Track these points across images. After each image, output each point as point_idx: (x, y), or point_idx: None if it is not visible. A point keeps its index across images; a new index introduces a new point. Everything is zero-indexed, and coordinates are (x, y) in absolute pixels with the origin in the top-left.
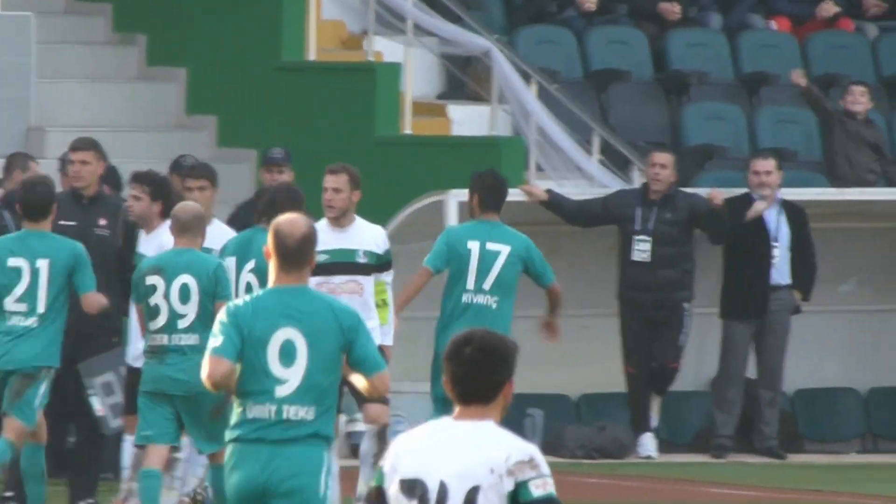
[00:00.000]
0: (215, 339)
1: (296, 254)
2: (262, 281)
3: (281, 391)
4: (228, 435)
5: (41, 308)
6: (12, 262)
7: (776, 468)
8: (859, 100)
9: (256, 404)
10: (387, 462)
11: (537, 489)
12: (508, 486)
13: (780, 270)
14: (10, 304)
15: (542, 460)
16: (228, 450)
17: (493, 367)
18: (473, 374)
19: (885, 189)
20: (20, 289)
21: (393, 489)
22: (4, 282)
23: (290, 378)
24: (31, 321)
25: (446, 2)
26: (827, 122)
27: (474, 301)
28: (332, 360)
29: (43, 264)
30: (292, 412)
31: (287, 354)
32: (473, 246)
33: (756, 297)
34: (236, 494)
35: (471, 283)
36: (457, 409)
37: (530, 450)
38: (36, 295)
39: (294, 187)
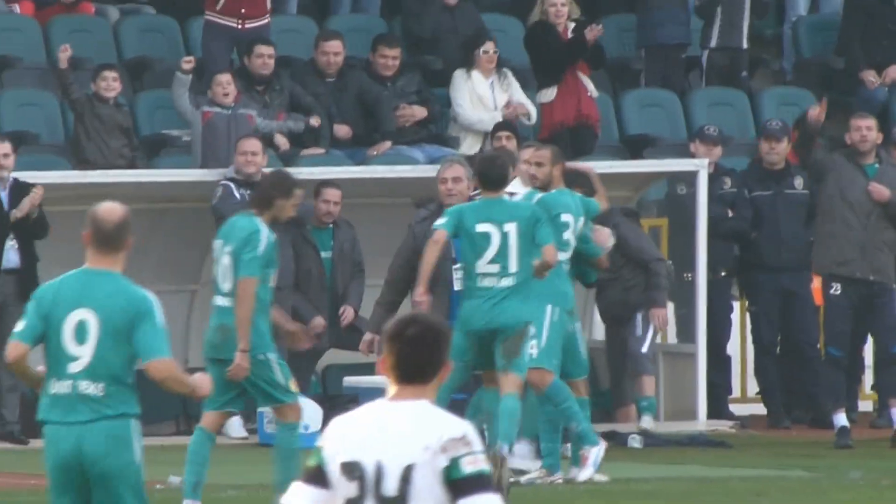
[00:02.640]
0: (17, 324)
1: (110, 237)
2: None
3: (74, 367)
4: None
5: (513, 268)
6: (480, 227)
7: None
8: (112, 85)
9: (56, 381)
10: (326, 443)
11: (468, 465)
12: (442, 462)
13: None
14: (482, 266)
15: (475, 437)
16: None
17: (436, 347)
18: (415, 353)
19: (132, 171)
20: (491, 252)
21: (334, 471)
22: (475, 246)
23: (83, 356)
24: (505, 282)
25: None
26: (74, 107)
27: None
28: (122, 341)
29: (511, 227)
30: (84, 387)
31: (80, 333)
32: None
33: None
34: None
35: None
36: (394, 389)
37: (463, 427)
38: (507, 256)
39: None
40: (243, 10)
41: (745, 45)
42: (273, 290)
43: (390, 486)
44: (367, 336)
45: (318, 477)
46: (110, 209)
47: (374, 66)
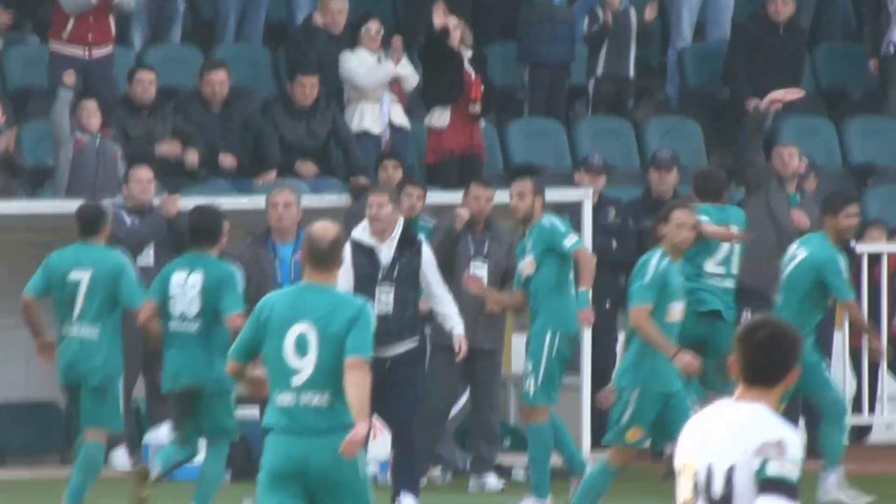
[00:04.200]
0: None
1: (324, 255)
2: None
3: (297, 380)
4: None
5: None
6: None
7: None
8: None
9: (280, 393)
10: (680, 440)
11: (773, 468)
12: (755, 464)
13: None
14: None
15: (792, 446)
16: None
17: (783, 351)
18: (763, 356)
19: (15, 203)
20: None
21: (678, 467)
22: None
23: (304, 368)
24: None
25: None
26: None
27: None
28: (340, 352)
29: None
30: (307, 399)
31: (301, 347)
32: None
33: None
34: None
35: None
36: (739, 388)
37: (783, 433)
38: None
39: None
40: (90, 37)
41: (631, 75)
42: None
43: (717, 487)
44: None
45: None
46: (323, 228)
47: (294, 96)
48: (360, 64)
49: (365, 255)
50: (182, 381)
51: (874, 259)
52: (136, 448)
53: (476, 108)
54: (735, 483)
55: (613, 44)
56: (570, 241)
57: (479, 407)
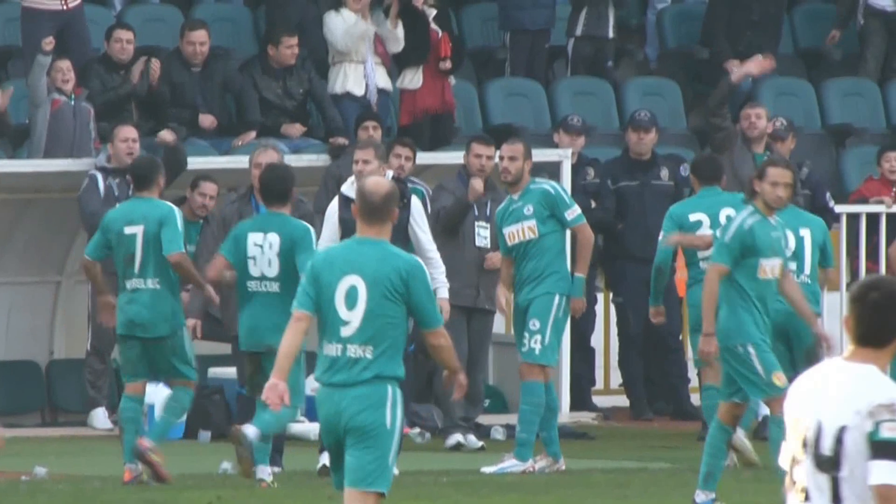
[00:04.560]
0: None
1: (376, 209)
2: None
3: (345, 331)
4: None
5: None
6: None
7: None
8: None
9: (328, 343)
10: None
11: (886, 431)
12: (867, 427)
13: None
14: None
15: None
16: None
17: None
18: (876, 317)
19: None
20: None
21: (787, 425)
22: None
23: (353, 320)
24: None
25: None
26: None
27: None
28: (390, 306)
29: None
30: (353, 350)
31: (350, 299)
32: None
33: None
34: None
35: None
36: (850, 348)
37: (894, 394)
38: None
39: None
40: None
41: (610, 35)
42: None
43: (826, 446)
44: (190, 322)
45: None
46: (376, 183)
47: (275, 56)
48: (342, 23)
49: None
50: (261, 340)
51: (853, 219)
52: (115, 408)
53: (446, 64)
54: (845, 443)
55: (593, 4)
56: (572, 213)
57: (469, 366)
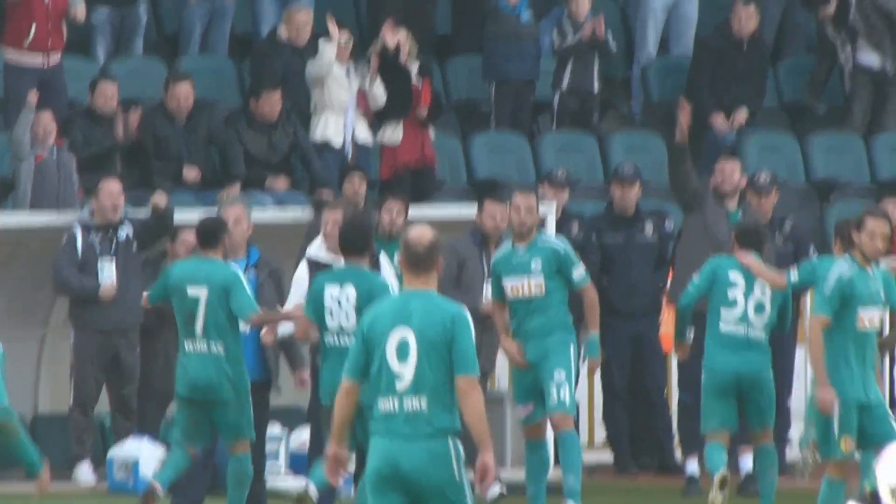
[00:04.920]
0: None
1: (421, 260)
2: None
3: (399, 385)
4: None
5: None
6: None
7: None
8: None
9: (383, 398)
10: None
11: None
12: None
13: None
14: None
15: None
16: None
17: None
18: None
19: None
20: None
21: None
22: None
23: (406, 373)
24: None
25: None
26: None
27: None
28: (440, 357)
29: None
30: (408, 404)
31: (402, 352)
32: None
33: None
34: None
35: None
36: None
37: None
38: None
39: None
40: (50, 43)
41: (596, 88)
42: None
43: None
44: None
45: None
46: (420, 233)
47: (258, 111)
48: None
49: (322, 271)
50: None
51: None
52: (100, 463)
53: (423, 112)
54: None
55: (578, 58)
56: (579, 272)
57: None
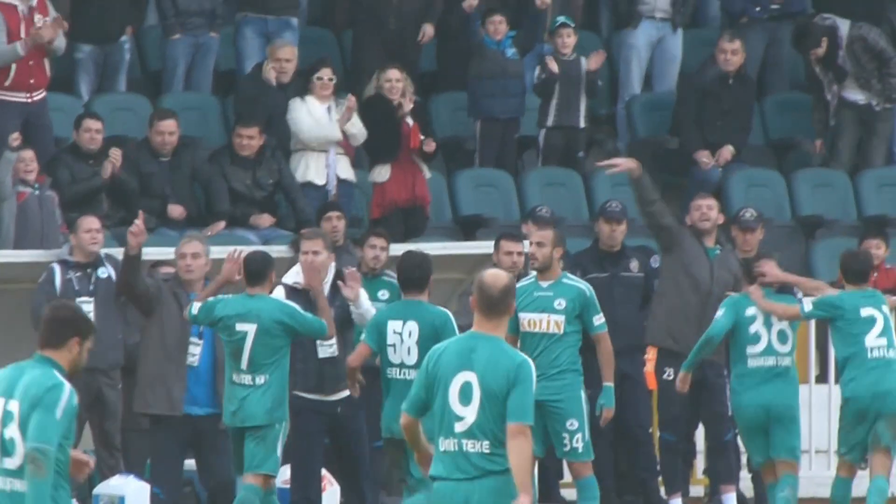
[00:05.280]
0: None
1: (494, 303)
2: None
3: (459, 427)
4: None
5: None
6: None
7: None
8: None
9: (444, 439)
10: None
11: None
12: None
13: None
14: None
15: None
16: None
17: None
18: None
19: None
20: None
21: None
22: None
23: (467, 416)
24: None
25: None
26: None
27: None
28: (500, 403)
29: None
30: (469, 446)
31: (465, 395)
32: None
33: None
34: None
35: None
36: None
37: None
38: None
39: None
40: (32, 81)
41: (582, 125)
42: None
43: None
44: None
45: None
46: (494, 276)
47: (235, 147)
48: (308, 115)
49: (300, 299)
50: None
51: None
52: (86, 499)
53: (430, 145)
54: None
55: (563, 94)
56: (599, 319)
57: None
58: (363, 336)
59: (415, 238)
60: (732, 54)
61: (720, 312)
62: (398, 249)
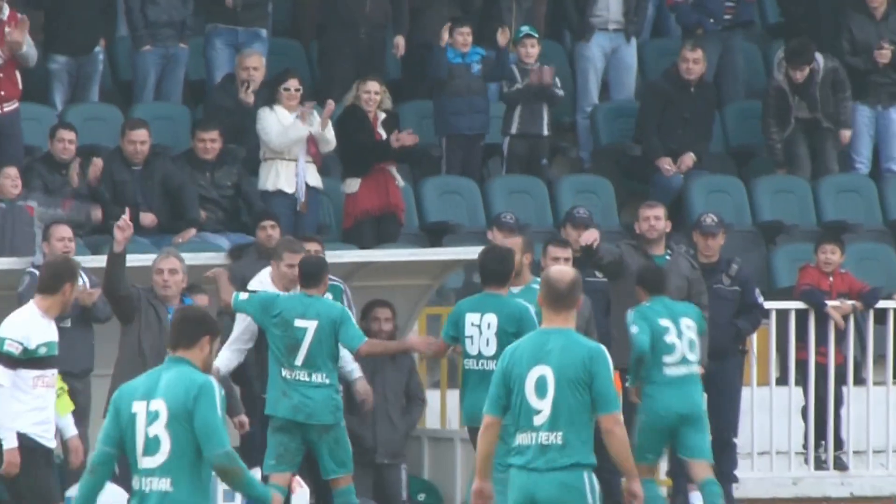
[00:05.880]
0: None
1: (561, 297)
2: None
3: (537, 420)
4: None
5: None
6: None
7: None
8: None
9: (521, 433)
10: None
11: None
12: None
13: None
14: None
15: None
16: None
17: None
18: None
19: None
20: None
21: None
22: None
23: (544, 409)
24: None
25: None
26: None
27: None
28: (577, 393)
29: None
30: (545, 438)
31: (540, 388)
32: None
33: None
34: None
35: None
36: None
37: None
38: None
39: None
40: (2, 93)
41: (545, 132)
42: None
43: None
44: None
45: None
46: (561, 272)
47: (195, 150)
48: (277, 122)
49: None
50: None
51: (782, 315)
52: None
53: (408, 139)
54: None
55: (527, 103)
56: None
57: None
58: (443, 332)
59: (386, 244)
60: (694, 63)
61: (634, 329)
62: (369, 256)
